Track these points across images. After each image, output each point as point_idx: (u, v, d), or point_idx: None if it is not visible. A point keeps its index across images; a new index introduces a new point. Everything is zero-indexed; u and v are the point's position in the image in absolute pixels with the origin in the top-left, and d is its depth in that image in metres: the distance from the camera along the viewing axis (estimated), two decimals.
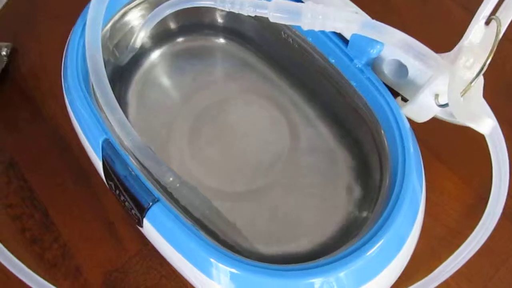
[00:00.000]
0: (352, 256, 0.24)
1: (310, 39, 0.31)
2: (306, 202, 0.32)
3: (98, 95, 0.27)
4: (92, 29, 0.28)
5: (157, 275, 0.31)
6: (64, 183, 0.35)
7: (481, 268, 0.31)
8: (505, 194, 0.30)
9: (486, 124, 0.25)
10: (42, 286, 0.30)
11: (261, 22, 0.34)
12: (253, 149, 0.34)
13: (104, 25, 0.32)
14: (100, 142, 0.27)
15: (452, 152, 0.35)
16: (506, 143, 0.30)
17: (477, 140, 0.30)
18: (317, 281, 0.23)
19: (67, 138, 0.36)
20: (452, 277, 0.30)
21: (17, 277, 0.30)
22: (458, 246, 0.30)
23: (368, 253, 0.24)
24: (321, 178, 0.32)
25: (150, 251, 0.32)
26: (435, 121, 0.30)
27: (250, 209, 0.31)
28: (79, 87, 0.28)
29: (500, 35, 0.26)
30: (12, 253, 0.31)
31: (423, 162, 0.29)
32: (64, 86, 0.30)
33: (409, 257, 0.27)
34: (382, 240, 0.24)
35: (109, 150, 0.27)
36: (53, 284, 0.30)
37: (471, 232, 0.30)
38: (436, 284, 0.30)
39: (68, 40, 0.31)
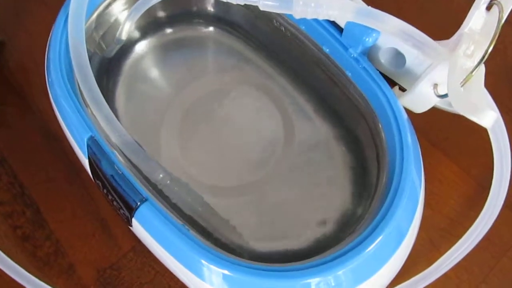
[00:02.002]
0: (351, 254, 0.23)
1: (303, 27, 0.30)
2: (301, 198, 0.31)
3: (82, 89, 0.26)
4: (74, 20, 0.27)
5: (152, 272, 0.31)
6: (55, 180, 0.34)
7: (481, 259, 0.31)
8: (507, 186, 0.29)
9: (488, 117, 0.24)
10: (35, 285, 0.29)
11: (252, 10, 0.33)
12: (246, 143, 0.33)
13: (89, 16, 0.31)
14: (86, 140, 0.26)
15: (451, 141, 0.35)
16: (508, 132, 0.29)
17: (477, 128, 0.29)
18: (314, 281, 0.23)
19: (58, 133, 0.35)
20: (452, 269, 0.29)
21: (9, 276, 0.29)
22: (458, 237, 0.30)
23: (367, 250, 0.23)
24: (316, 173, 0.32)
25: (144, 247, 0.31)
26: (433, 110, 0.29)
27: (243, 205, 0.31)
28: (62, 82, 0.27)
29: (502, 21, 0.24)
30: (3, 251, 0.30)
31: (421, 151, 0.28)
32: (48, 80, 0.29)
33: (408, 252, 0.27)
34: (381, 237, 0.23)
35: (94, 148, 0.26)
36: (46, 283, 0.30)
37: (471, 223, 0.30)
38: (436, 277, 0.29)
39: (50, 32, 0.30)
